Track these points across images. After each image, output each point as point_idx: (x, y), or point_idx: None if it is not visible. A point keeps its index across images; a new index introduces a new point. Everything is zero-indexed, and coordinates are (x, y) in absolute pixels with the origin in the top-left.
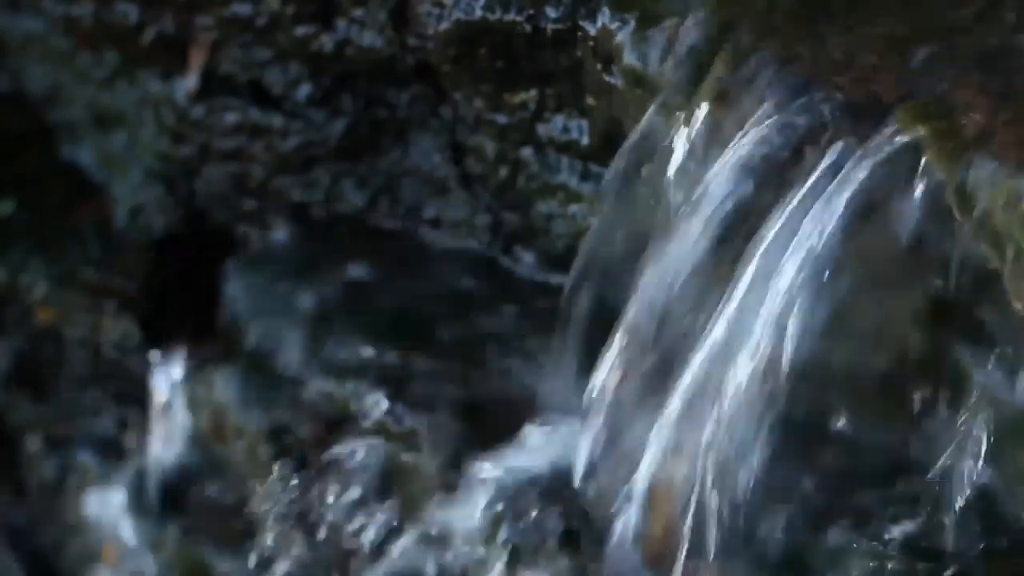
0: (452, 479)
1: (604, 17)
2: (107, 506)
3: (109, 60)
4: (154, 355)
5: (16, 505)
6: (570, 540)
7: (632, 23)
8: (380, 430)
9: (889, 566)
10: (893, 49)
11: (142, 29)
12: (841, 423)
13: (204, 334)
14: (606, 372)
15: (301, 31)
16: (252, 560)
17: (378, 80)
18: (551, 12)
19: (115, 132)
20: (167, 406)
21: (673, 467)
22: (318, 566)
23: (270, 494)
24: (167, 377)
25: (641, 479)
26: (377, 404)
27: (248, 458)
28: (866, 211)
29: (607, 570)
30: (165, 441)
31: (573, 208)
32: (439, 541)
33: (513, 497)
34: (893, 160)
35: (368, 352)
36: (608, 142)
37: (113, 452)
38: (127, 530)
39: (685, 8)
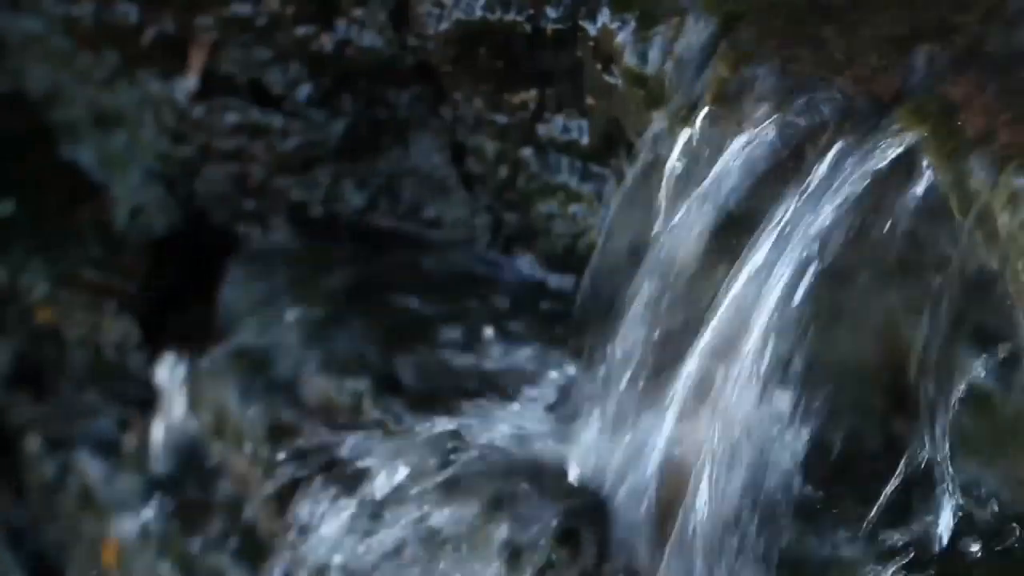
0: (452, 477)
1: (604, 17)
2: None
3: (109, 60)
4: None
5: (16, 505)
6: (570, 540)
7: (632, 23)
8: (380, 429)
9: (886, 565)
10: (893, 49)
11: (142, 29)
12: (839, 423)
13: (204, 334)
14: (609, 368)
15: (301, 31)
16: (251, 559)
17: (378, 80)
18: (551, 12)
19: (115, 132)
20: (168, 406)
21: (674, 460)
22: (318, 565)
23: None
24: (168, 377)
25: (646, 470)
26: (377, 403)
27: (248, 457)
28: (866, 211)
29: (614, 557)
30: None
31: (573, 208)
32: (439, 539)
33: (514, 495)
34: (893, 160)
35: (368, 351)
36: (608, 142)
37: (113, 452)
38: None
39: (685, 8)
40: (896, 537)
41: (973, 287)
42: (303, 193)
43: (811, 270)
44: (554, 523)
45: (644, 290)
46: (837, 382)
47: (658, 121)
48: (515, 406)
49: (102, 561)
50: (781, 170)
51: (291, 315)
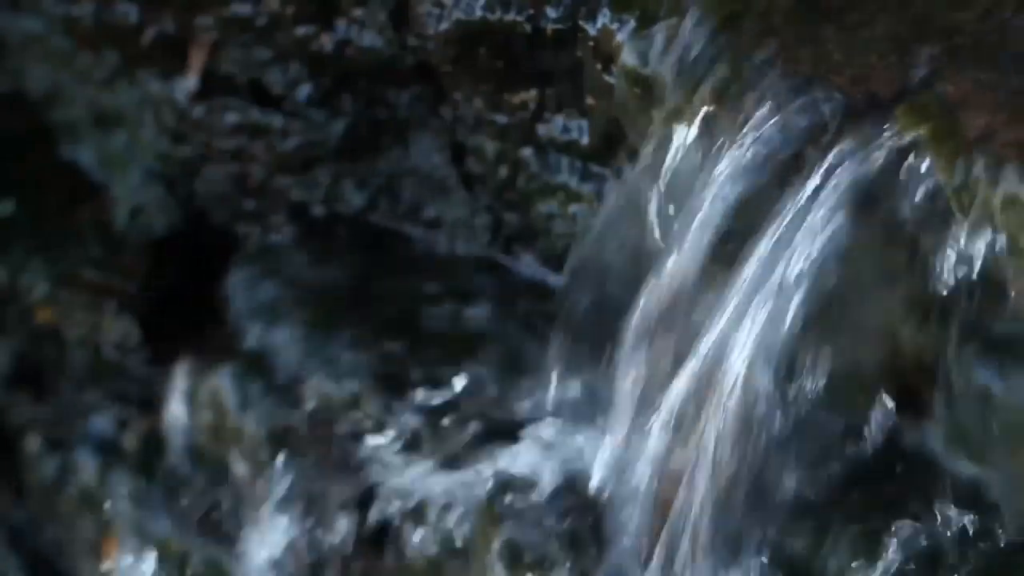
0: (453, 477)
1: (604, 17)
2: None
3: (109, 60)
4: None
5: (16, 505)
6: (571, 540)
7: (632, 23)
8: (380, 429)
9: (889, 565)
10: (893, 49)
11: (142, 29)
12: (839, 421)
13: (204, 334)
14: (609, 369)
15: (301, 31)
16: (252, 560)
17: (378, 80)
18: (551, 12)
19: (115, 132)
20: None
21: (674, 465)
22: (319, 565)
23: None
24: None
25: (645, 474)
26: (377, 404)
27: (248, 458)
28: (866, 211)
29: (608, 567)
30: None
31: (573, 208)
32: (439, 540)
33: (514, 496)
34: (893, 160)
35: (368, 352)
36: (608, 142)
37: (113, 452)
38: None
39: (685, 8)
40: (899, 537)
41: (974, 287)
42: (303, 193)
43: (812, 271)
44: (554, 523)
45: (644, 291)
46: (838, 384)
47: (658, 121)
48: (516, 407)
49: (102, 561)
50: (781, 170)
51: (291, 315)
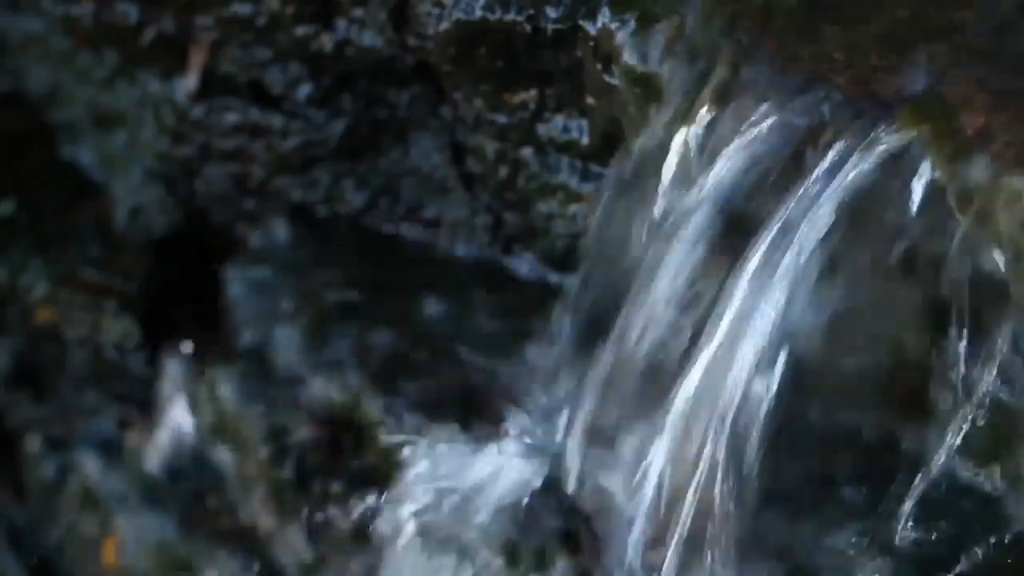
0: (452, 476)
1: (604, 17)
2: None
3: (109, 60)
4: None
5: (16, 505)
6: (570, 540)
7: (632, 23)
8: (380, 429)
9: (888, 566)
10: (893, 49)
11: (142, 29)
12: (841, 423)
13: (204, 334)
14: (610, 368)
15: (301, 31)
16: (251, 559)
17: (378, 80)
18: (551, 12)
19: (115, 132)
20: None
21: (676, 466)
22: (317, 565)
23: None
24: (170, 377)
25: (645, 480)
26: (376, 403)
27: (248, 458)
28: (866, 211)
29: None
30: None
31: (573, 208)
32: (440, 540)
33: (513, 497)
34: (893, 160)
35: (368, 351)
36: (608, 142)
37: (113, 452)
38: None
39: (685, 8)
40: (898, 536)
41: (973, 288)
42: (303, 193)
43: (812, 271)
44: (554, 524)
45: (644, 290)
46: (840, 384)
47: (658, 121)
48: (516, 406)
49: (102, 561)
50: (781, 170)
51: (291, 315)
